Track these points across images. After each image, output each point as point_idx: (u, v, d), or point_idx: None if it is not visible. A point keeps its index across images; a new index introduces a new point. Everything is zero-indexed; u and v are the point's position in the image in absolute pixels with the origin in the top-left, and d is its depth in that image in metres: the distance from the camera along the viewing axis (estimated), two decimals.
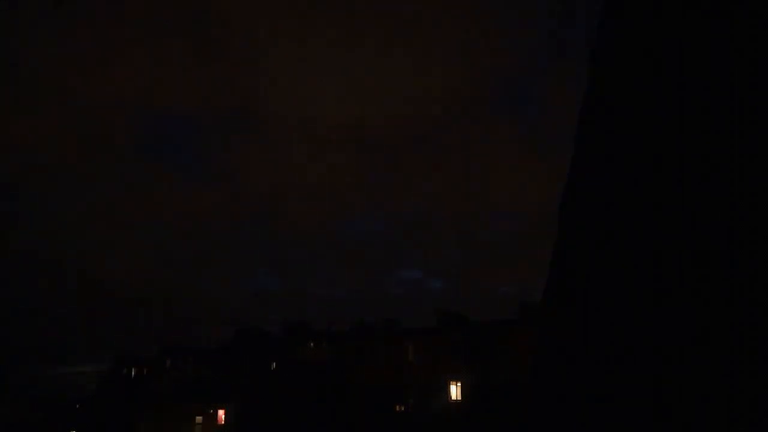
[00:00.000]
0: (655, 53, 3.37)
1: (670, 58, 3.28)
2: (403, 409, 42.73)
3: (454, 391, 42.37)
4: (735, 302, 2.62)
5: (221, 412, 50.27)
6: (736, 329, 2.59)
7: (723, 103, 2.95)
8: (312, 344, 51.29)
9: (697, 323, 2.71)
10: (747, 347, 2.54)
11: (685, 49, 3.21)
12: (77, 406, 66.50)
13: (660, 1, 3.43)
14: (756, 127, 2.78)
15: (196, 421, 49.69)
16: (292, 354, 50.80)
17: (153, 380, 60.15)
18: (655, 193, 3.07)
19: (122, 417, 54.92)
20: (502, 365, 39.54)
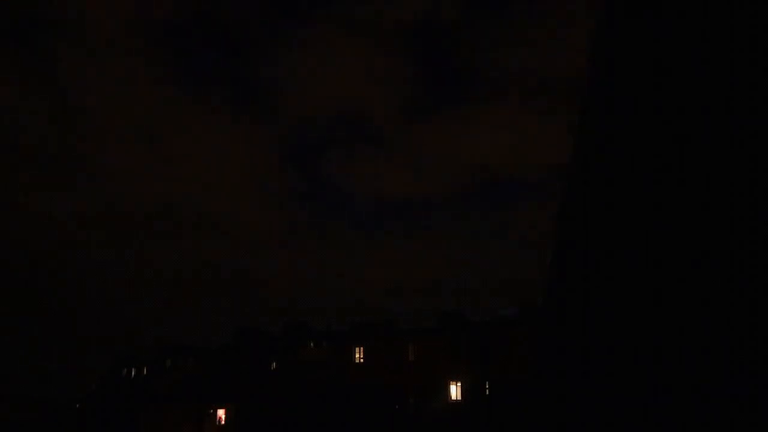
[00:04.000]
0: (653, 55, 3.38)
1: (668, 60, 3.29)
2: (403, 409, 42.72)
3: (454, 391, 42.37)
4: (735, 302, 2.63)
5: (221, 412, 50.27)
6: (736, 329, 2.60)
7: (722, 105, 2.95)
8: (312, 344, 51.29)
9: (696, 323, 2.71)
10: (747, 347, 2.55)
11: (684, 50, 3.22)
12: (77, 406, 66.48)
13: (658, 3, 3.44)
14: (755, 127, 2.79)
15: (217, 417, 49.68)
16: (292, 354, 50.80)
17: (153, 380, 60.13)
18: (654, 194, 3.08)
19: (122, 417, 54.89)
20: (502, 365, 39.53)
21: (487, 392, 39.81)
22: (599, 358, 3.08)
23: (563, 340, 3.53)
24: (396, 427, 41.37)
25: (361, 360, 47.54)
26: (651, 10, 3.48)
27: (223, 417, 50.02)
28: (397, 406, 42.74)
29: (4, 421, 62.13)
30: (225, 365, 54.38)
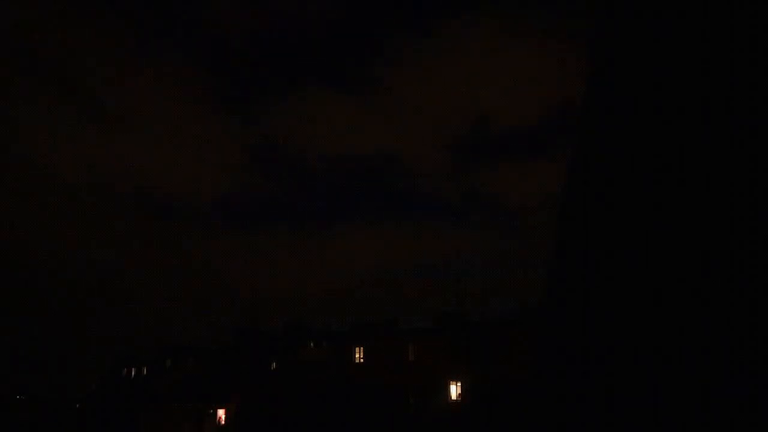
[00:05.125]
0: (653, 54, 3.38)
1: (668, 59, 3.28)
2: (403, 409, 42.72)
3: (454, 391, 42.36)
4: (735, 303, 2.62)
5: (221, 412, 50.26)
6: (736, 329, 2.59)
7: (722, 104, 2.95)
8: (312, 344, 51.26)
9: (696, 323, 2.71)
10: (747, 347, 2.55)
11: (684, 49, 3.21)
12: (77, 406, 66.47)
13: (658, 2, 3.43)
14: (755, 127, 2.79)
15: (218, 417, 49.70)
16: (292, 354, 50.78)
17: (153, 380, 60.12)
18: (654, 195, 3.08)
19: (122, 417, 54.92)
20: (502, 365, 39.53)
21: (487, 392, 39.81)
22: (599, 358, 3.09)
23: (563, 340, 3.54)
24: (396, 427, 41.38)
25: (361, 360, 47.50)
26: (651, 10, 3.48)
27: (223, 417, 50.00)
28: (397, 406, 42.74)
29: (4, 421, 62.12)
30: (225, 365, 54.37)
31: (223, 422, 49.88)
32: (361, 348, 47.80)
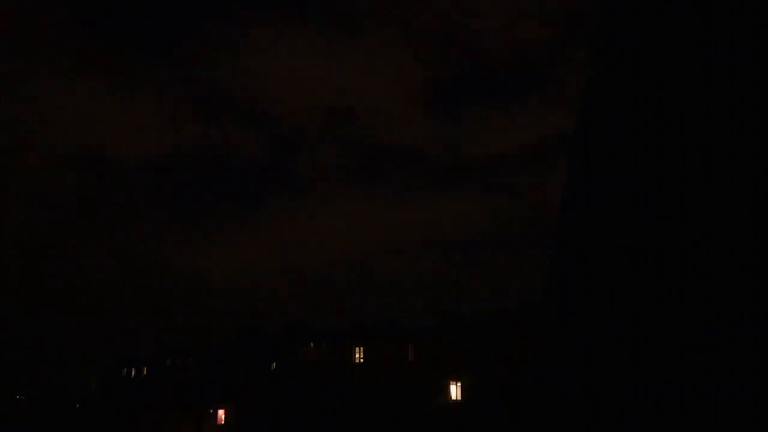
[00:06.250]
0: (654, 53, 3.38)
1: (669, 58, 3.28)
2: (403, 409, 42.72)
3: (454, 391, 42.37)
4: (735, 303, 2.62)
5: (221, 412, 50.28)
6: (736, 329, 2.59)
7: (723, 104, 2.95)
8: (312, 344, 51.26)
9: (696, 323, 2.71)
10: (747, 347, 2.55)
11: (685, 48, 3.21)
12: (77, 406, 66.49)
13: (659, 2, 3.44)
14: (755, 127, 2.79)
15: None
16: (292, 354, 50.77)
17: (153, 380, 60.11)
18: (655, 194, 3.08)
19: (122, 417, 54.92)
20: (502, 365, 39.53)
21: (488, 392, 39.81)
22: (599, 357, 3.09)
23: (563, 340, 3.54)
24: (396, 427, 41.38)
25: (361, 360, 47.51)
26: (650, 9, 3.48)
27: (223, 417, 50.03)
28: (397, 406, 42.75)
29: (4, 421, 62.18)
30: (225, 365, 54.36)
31: (223, 422, 49.90)
32: (361, 348, 47.78)
